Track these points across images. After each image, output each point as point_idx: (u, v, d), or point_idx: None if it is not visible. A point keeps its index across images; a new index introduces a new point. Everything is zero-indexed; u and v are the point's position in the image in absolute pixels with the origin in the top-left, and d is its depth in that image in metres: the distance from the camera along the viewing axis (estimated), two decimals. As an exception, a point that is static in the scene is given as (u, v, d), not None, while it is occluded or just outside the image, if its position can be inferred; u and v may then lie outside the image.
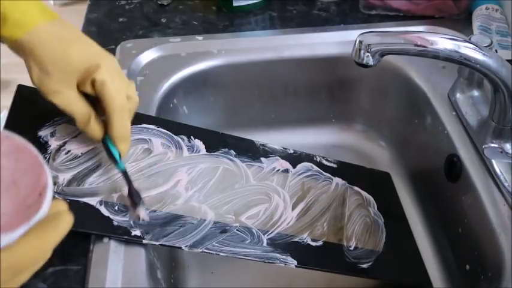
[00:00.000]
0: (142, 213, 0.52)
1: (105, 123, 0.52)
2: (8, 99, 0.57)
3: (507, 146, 0.58)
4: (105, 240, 0.51)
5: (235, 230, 0.56)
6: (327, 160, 0.71)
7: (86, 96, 0.52)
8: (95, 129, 0.52)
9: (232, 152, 0.64)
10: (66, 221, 0.36)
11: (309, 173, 0.67)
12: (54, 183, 0.51)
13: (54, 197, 0.37)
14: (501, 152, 0.58)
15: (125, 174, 0.53)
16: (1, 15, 0.48)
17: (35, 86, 0.50)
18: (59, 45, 0.49)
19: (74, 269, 0.50)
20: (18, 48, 0.49)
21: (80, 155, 0.54)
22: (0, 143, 0.37)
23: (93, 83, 0.50)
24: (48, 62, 0.49)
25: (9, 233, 0.33)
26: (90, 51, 0.51)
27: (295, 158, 0.68)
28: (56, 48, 0.49)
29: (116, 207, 0.52)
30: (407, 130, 0.77)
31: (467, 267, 0.61)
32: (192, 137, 0.62)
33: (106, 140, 0.53)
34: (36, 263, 0.35)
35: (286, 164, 0.66)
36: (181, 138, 0.61)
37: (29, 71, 0.49)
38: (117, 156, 0.53)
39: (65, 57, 0.49)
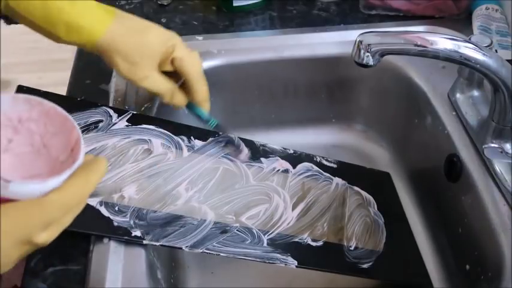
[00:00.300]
0: (246, 151, 0.64)
1: (186, 91, 0.60)
2: (8, 100, 0.57)
3: (507, 146, 0.58)
4: (105, 240, 0.51)
5: (235, 231, 0.56)
6: (327, 160, 0.70)
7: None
8: (180, 99, 0.60)
9: (232, 152, 0.64)
10: (103, 164, 0.39)
11: (309, 173, 0.67)
12: None
13: None
14: (501, 152, 0.58)
15: (217, 127, 0.63)
16: (75, 26, 0.53)
17: (125, 77, 0.57)
18: (136, 37, 0.55)
19: (74, 269, 0.50)
20: (95, 47, 0.55)
21: (80, 155, 0.54)
22: (32, 109, 0.40)
23: (172, 61, 0.57)
24: (132, 54, 0.55)
25: (56, 177, 0.36)
26: (162, 34, 0.57)
27: (295, 158, 0.68)
28: (135, 40, 0.55)
29: (116, 208, 0.52)
30: (407, 130, 0.77)
31: (467, 267, 0.61)
32: (192, 137, 0.62)
33: (190, 105, 0.61)
34: (80, 203, 0.39)
35: (286, 164, 0.66)
36: (181, 139, 0.61)
37: (115, 66, 0.56)
38: (205, 116, 0.62)
39: (146, 46, 0.55)
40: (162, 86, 0.58)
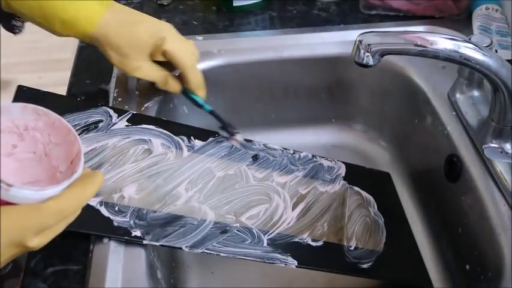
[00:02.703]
0: (240, 137, 0.65)
1: (181, 78, 0.62)
2: (8, 99, 0.57)
3: (507, 146, 0.58)
4: (105, 240, 0.51)
5: (235, 231, 0.56)
6: (327, 160, 0.70)
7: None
8: (174, 85, 0.63)
9: (232, 152, 0.64)
10: (100, 177, 0.41)
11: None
12: None
13: None
14: (501, 152, 0.58)
15: (212, 113, 0.64)
16: (68, 22, 0.55)
17: (118, 68, 0.60)
18: (128, 29, 0.58)
19: (74, 269, 0.50)
20: (89, 39, 0.58)
21: (80, 155, 0.54)
22: (39, 119, 0.42)
23: (163, 53, 0.59)
24: (123, 46, 0.58)
25: (55, 186, 0.38)
26: (153, 26, 0.59)
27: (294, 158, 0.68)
28: (126, 33, 0.57)
29: (116, 208, 0.52)
30: (407, 130, 0.77)
31: (467, 267, 0.61)
32: (192, 137, 0.62)
33: (186, 91, 0.63)
34: (75, 212, 0.40)
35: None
36: (181, 139, 0.61)
37: (108, 57, 0.59)
38: (200, 101, 0.64)
39: (136, 38, 0.58)
40: (155, 75, 0.61)
